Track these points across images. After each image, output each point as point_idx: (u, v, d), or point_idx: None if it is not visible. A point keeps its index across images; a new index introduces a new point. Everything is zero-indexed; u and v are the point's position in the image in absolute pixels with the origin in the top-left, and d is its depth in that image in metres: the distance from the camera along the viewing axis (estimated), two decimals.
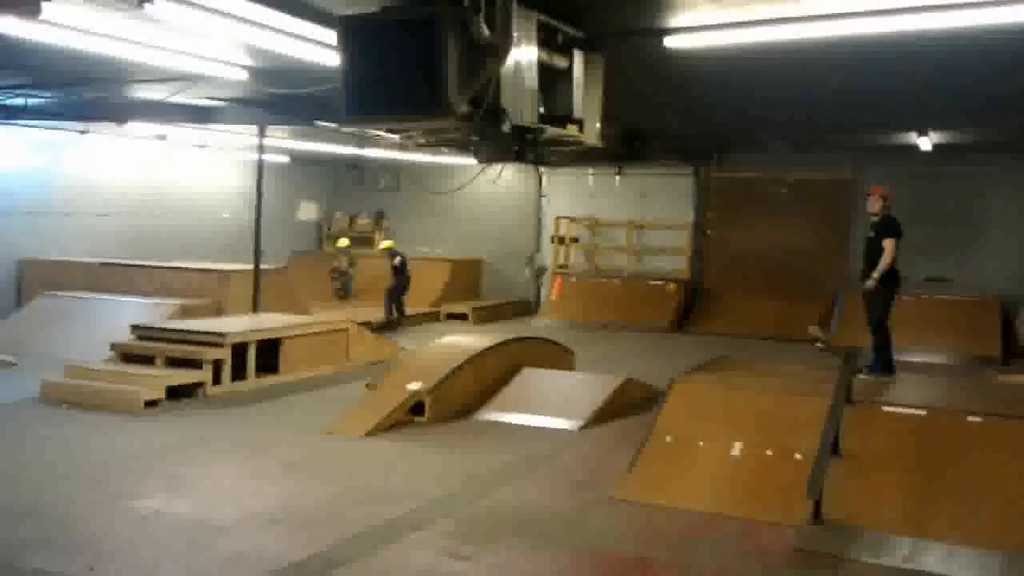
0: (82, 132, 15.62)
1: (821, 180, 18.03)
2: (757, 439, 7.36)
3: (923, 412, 7.28)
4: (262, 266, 13.89)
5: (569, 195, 20.84)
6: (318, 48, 7.62)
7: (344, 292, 20.22)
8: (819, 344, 12.18)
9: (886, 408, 7.49)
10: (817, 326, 13.90)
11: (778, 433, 7.34)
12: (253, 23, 6.94)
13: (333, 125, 12.03)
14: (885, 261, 9.34)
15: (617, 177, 19.68)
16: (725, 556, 5.99)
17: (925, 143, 14.52)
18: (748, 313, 17.74)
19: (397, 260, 17.57)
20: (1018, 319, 15.69)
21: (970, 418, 7.05)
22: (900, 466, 6.74)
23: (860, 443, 6.93)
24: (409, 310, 17.92)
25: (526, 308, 20.57)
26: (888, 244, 9.35)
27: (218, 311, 13.25)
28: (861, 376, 8.64)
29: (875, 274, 9.38)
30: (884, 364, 9.41)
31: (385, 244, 18.74)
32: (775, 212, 18.44)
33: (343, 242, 20.65)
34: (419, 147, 14.85)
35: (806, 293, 17.18)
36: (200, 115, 13.22)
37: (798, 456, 6.96)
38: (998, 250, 16.80)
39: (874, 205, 9.66)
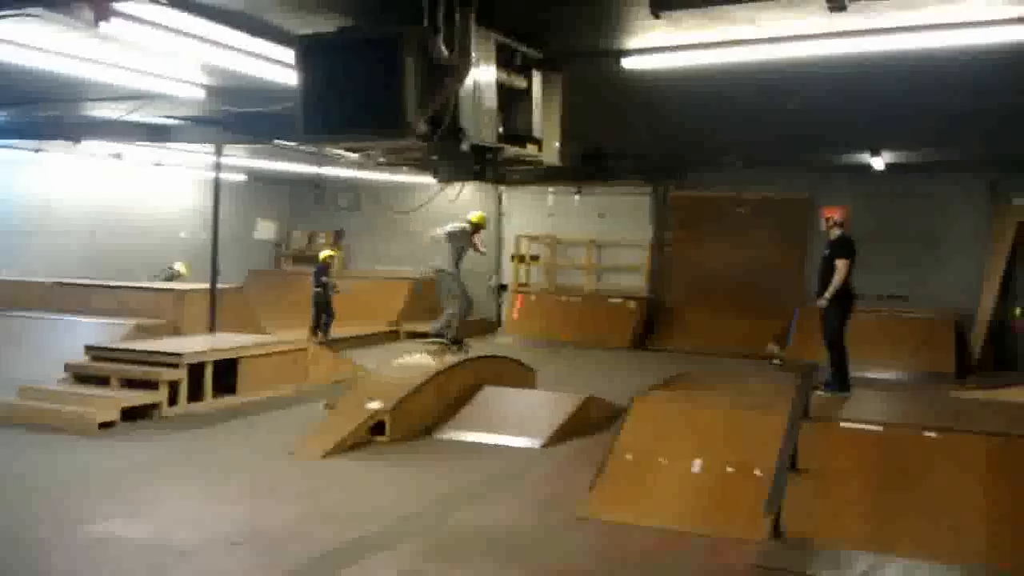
0: (36, 151, 15.42)
1: (779, 199, 18.21)
2: (717, 456, 7.40)
3: (880, 428, 7.37)
4: (219, 285, 13.76)
5: (529, 214, 20.90)
6: (276, 67, 7.59)
7: None
8: (776, 361, 12.29)
9: (843, 424, 7.56)
10: (775, 343, 14.04)
11: (738, 449, 7.39)
12: (210, 42, 6.90)
13: (292, 144, 11.97)
14: (837, 281, 9.45)
15: (577, 196, 19.78)
16: (687, 573, 6.01)
17: (878, 163, 14.74)
18: (708, 330, 17.85)
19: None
20: (972, 335, 15.96)
21: (926, 433, 7.15)
22: (858, 481, 6.81)
23: (818, 459, 6.99)
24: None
25: (487, 326, 20.56)
26: (840, 264, 9.46)
27: (174, 331, 13.08)
28: (818, 392, 8.72)
29: (827, 294, 9.51)
30: (841, 380, 9.50)
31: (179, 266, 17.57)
32: (734, 231, 18.59)
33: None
34: (378, 166, 14.84)
35: (765, 310, 17.30)
36: (156, 133, 13.07)
37: (758, 472, 7.00)
38: (953, 267, 17.03)
39: (826, 226, 9.82)
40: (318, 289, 17.27)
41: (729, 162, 16.27)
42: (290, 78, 7.00)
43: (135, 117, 11.80)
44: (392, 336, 18.70)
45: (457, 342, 11.81)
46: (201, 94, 9.64)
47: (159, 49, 7.62)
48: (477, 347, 15.90)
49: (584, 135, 12.47)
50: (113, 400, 9.98)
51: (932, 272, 17.22)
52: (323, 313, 17.27)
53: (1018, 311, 15.23)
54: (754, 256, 18.40)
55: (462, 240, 12.44)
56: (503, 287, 21.07)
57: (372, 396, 9.69)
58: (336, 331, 17.20)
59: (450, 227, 12.44)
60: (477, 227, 12.65)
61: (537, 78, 7.59)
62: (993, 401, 10.20)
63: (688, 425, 7.86)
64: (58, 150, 15.47)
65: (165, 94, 9.70)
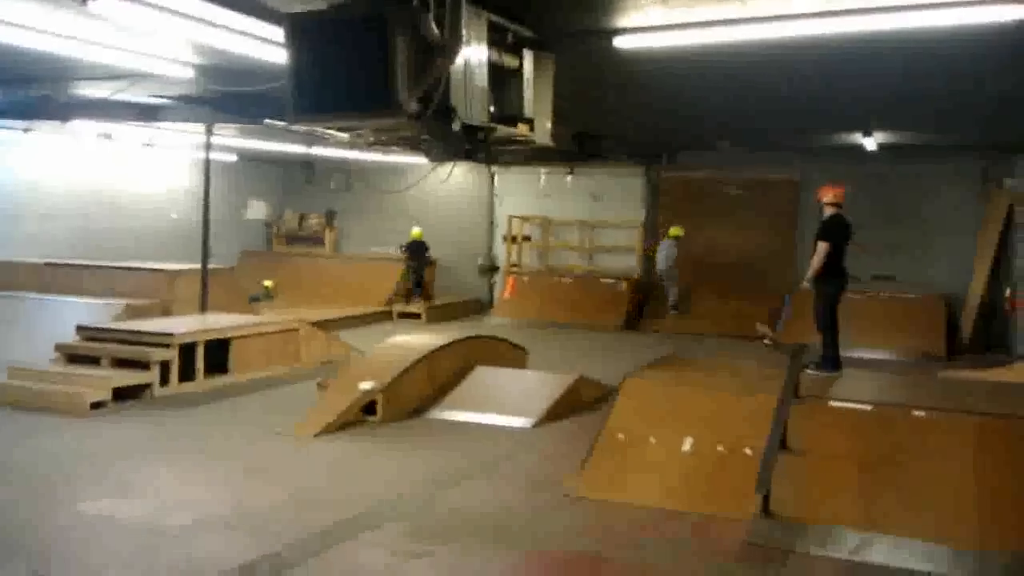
0: (25, 131, 15.35)
1: (770, 180, 18.24)
2: (708, 435, 7.42)
3: (869, 407, 7.40)
4: (210, 266, 13.73)
5: (521, 194, 20.88)
6: (265, 45, 7.55)
7: None
8: (766, 341, 12.31)
9: (833, 403, 7.58)
10: (765, 323, 14.06)
11: (728, 428, 7.41)
12: (199, 20, 6.86)
13: (282, 123, 11.92)
14: (815, 263, 9.46)
15: (569, 177, 19.78)
16: (678, 552, 6.04)
17: (870, 143, 14.73)
18: (699, 311, 17.92)
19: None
20: (963, 317, 16.01)
21: (916, 412, 7.18)
22: (848, 460, 6.83)
23: (808, 438, 7.01)
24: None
25: (479, 307, 20.57)
26: (820, 247, 9.45)
27: (165, 311, 13.07)
28: (809, 372, 8.75)
29: (807, 276, 9.54)
30: (831, 360, 9.52)
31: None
32: (725, 212, 18.64)
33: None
34: (369, 146, 14.78)
35: (756, 291, 17.35)
36: (146, 113, 13.03)
37: (748, 451, 7.03)
38: (944, 249, 17.08)
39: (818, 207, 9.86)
40: (412, 263, 19.49)
41: (718, 143, 16.28)
42: (280, 57, 6.97)
43: (125, 97, 11.76)
44: (385, 316, 18.71)
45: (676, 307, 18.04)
46: (191, 73, 9.60)
47: (148, 28, 7.58)
48: (468, 328, 15.95)
49: (576, 116, 12.45)
50: (104, 380, 9.96)
51: (923, 254, 17.28)
52: (418, 283, 19.51)
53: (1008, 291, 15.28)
54: (745, 237, 18.46)
55: (676, 248, 17.78)
56: (495, 268, 21.07)
57: (364, 376, 9.70)
58: (328, 312, 17.23)
59: (666, 248, 17.90)
60: (678, 237, 17.90)
61: (528, 57, 7.56)
62: (982, 381, 10.26)
63: (678, 405, 7.87)
64: (47, 130, 15.40)
65: (154, 73, 9.67)
